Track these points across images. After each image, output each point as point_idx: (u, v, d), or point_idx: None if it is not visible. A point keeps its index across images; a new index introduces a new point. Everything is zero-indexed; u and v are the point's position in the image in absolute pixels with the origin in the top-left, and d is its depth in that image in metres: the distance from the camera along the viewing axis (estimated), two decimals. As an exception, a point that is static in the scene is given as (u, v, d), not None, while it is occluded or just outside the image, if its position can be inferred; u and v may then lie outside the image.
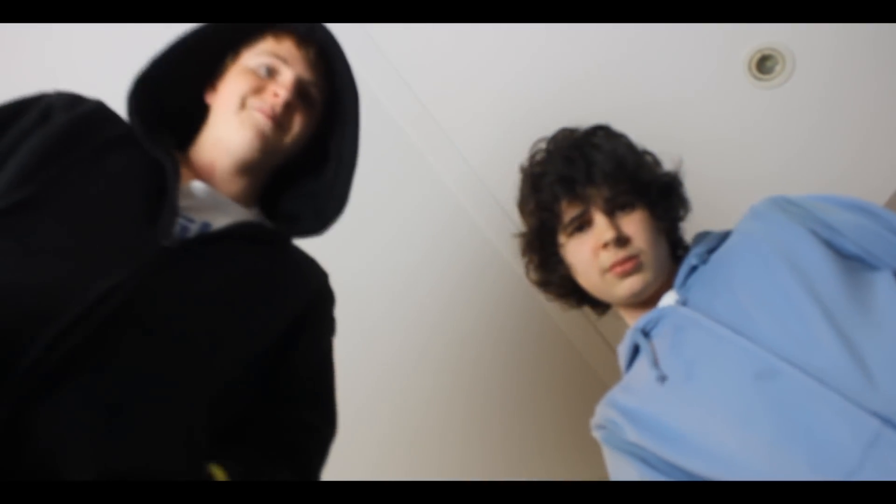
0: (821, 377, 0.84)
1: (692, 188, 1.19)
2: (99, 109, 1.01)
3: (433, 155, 1.73)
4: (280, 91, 1.02)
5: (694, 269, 1.06)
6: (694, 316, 0.99)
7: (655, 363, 1.01)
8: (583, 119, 1.65)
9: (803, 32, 1.62)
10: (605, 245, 1.04)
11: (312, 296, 1.08)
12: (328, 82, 1.11)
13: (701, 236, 1.13)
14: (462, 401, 1.89)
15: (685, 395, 0.96)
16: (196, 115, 1.08)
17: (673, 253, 1.14)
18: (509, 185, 1.21)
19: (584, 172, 1.07)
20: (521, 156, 1.20)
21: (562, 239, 1.11)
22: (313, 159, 1.12)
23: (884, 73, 1.65)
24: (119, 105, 1.03)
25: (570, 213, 1.09)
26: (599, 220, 1.06)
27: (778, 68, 1.65)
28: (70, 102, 0.98)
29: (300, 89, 1.05)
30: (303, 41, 1.08)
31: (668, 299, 1.07)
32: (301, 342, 1.04)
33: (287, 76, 1.05)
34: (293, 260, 1.09)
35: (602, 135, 1.15)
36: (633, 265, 1.04)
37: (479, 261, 1.81)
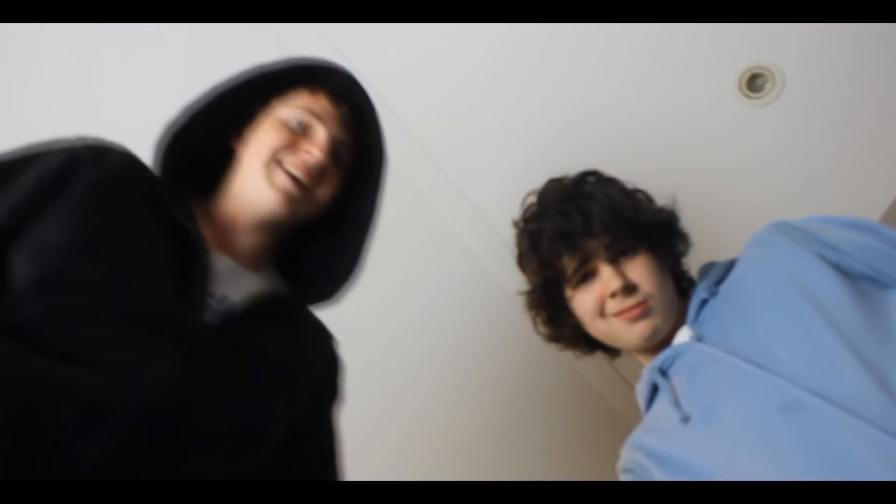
0: (847, 406, 0.82)
1: (684, 209, 1.18)
2: (125, 165, 0.95)
3: (449, 213, 1.74)
4: (314, 151, 1.00)
5: (704, 302, 1.04)
6: (711, 351, 0.98)
7: (677, 403, 0.99)
8: (575, 144, 1.66)
9: (792, 50, 1.62)
10: (613, 294, 1.04)
11: (326, 368, 1.08)
12: (358, 142, 1.09)
13: (707, 268, 1.12)
14: (475, 437, 1.86)
15: (710, 434, 0.94)
16: (220, 160, 1.06)
17: (678, 287, 1.12)
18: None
19: (582, 225, 1.06)
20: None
21: (568, 292, 1.10)
22: (332, 216, 1.10)
23: (874, 88, 1.65)
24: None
25: (572, 266, 1.08)
26: (604, 269, 1.05)
27: (768, 86, 1.65)
28: (95, 156, 0.92)
29: (333, 148, 1.03)
30: (337, 99, 1.05)
31: (683, 336, 1.05)
32: (314, 415, 1.04)
33: (321, 135, 1.02)
34: (308, 330, 1.08)
35: (593, 181, 1.13)
36: (641, 311, 1.03)
37: (484, 297, 1.79)
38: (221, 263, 0.97)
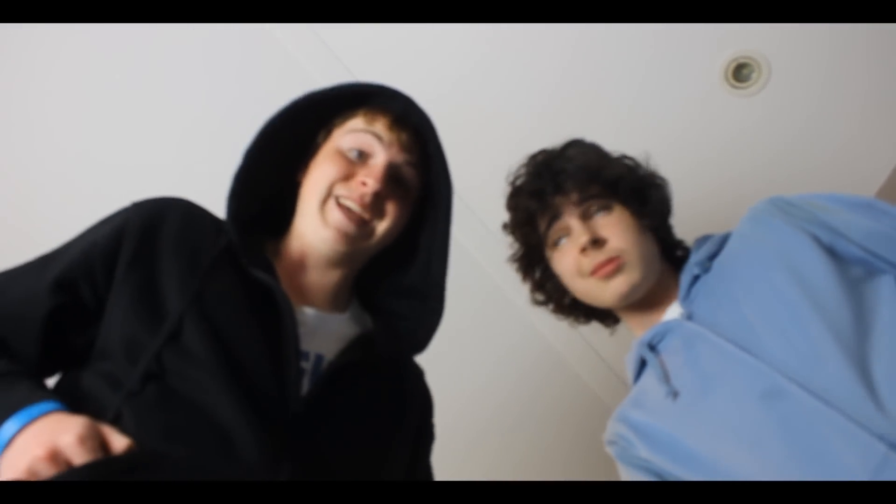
0: (826, 398, 0.83)
1: (675, 198, 1.18)
2: (184, 224, 0.94)
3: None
4: (369, 181, 0.95)
5: (696, 278, 1.04)
6: (700, 331, 0.98)
7: (666, 379, 0.99)
8: (562, 138, 1.66)
9: (778, 39, 1.63)
10: (584, 249, 1.03)
11: (423, 407, 1.08)
12: (422, 167, 1.03)
13: (701, 241, 1.11)
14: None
15: (696, 413, 0.95)
16: (290, 196, 1.03)
17: (671, 255, 1.12)
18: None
19: (552, 183, 1.07)
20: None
21: (548, 253, 1.11)
22: (405, 247, 1.06)
23: (859, 75, 1.66)
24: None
25: (546, 225, 1.09)
26: (575, 225, 1.05)
27: (754, 76, 1.66)
28: (156, 215, 0.93)
29: (393, 174, 0.98)
30: (396, 123, 1.00)
31: (674, 312, 1.05)
32: (418, 454, 1.04)
33: (378, 161, 0.97)
34: (401, 370, 1.05)
35: (574, 146, 1.15)
36: (614, 266, 1.02)
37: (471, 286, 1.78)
38: (307, 315, 0.95)
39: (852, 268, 0.94)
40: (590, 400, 1.89)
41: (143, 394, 0.80)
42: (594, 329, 1.82)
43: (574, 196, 1.06)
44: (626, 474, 1.05)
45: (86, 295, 0.86)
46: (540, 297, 1.19)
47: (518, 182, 1.15)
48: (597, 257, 1.03)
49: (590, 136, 1.69)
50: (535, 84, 1.68)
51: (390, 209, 0.98)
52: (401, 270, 1.06)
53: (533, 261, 1.15)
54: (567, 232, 1.07)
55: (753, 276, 0.97)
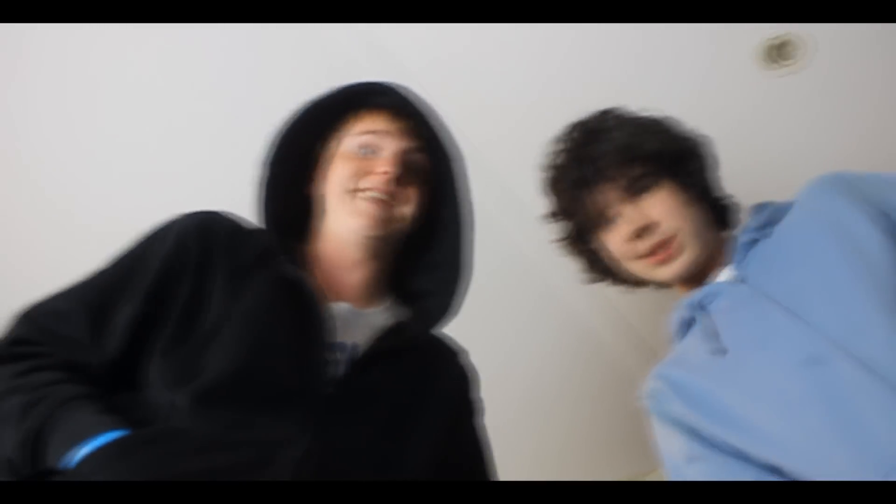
0: (870, 365, 0.82)
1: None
2: (230, 231, 1.00)
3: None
4: (387, 168, 1.02)
5: (754, 242, 1.04)
6: (751, 294, 0.99)
7: (715, 336, 1.00)
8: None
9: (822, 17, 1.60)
10: (639, 234, 1.04)
11: (457, 386, 1.11)
12: (428, 151, 1.10)
13: (761, 207, 1.11)
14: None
15: (737, 373, 0.95)
16: (301, 206, 1.09)
17: (720, 216, 1.12)
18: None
19: (593, 171, 1.07)
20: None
21: (599, 234, 1.12)
22: (431, 230, 1.12)
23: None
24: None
25: (594, 210, 1.09)
26: (625, 210, 1.06)
27: (797, 54, 1.65)
28: (201, 232, 0.98)
29: (405, 161, 1.05)
30: (396, 116, 1.08)
31: (727, 275, 1.06)
32: (457, 430, 1.07)
33: (389, 150, 1.05)
34: (433, 353, 1.10)
35: (611, 119, 1.13)
36: (670, 252, 1.04)
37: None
38: (339, 310, 0.99)
39: None
40: (624, 373, 1.92)
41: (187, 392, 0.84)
42: (630, 304, 1.85)
43: (620, 181, 1.06)
44: (659, 428, 1.06)
45: (167, 306, 0.92)
46: (592, 276, 1.20)
47: (557, 163, 1.14)
48: (651, 239, 1.04)
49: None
50: (575, 69, 1.66)
51: (410, 193, 1.05)
52: (431, 252, 1.12)
53: (583, 243, 1.16)
54: (618, 214, 1.07)
55: (810, 245, 0.97)
